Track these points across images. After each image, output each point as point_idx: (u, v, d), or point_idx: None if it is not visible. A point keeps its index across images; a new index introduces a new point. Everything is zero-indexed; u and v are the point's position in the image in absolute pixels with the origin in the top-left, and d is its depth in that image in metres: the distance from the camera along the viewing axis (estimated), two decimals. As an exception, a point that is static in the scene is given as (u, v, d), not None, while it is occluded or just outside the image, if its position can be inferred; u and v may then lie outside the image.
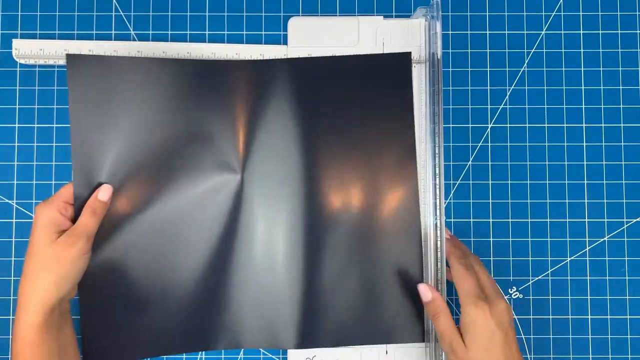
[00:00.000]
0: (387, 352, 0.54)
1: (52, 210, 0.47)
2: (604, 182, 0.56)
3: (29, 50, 0.56)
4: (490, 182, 0.57)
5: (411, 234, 0.53)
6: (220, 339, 0.53)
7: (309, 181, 0.53)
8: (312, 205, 0.53)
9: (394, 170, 0.54)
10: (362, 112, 0.54)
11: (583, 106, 0.56)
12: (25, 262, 0.47)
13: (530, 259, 0.56)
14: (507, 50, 0.57)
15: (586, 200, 0.56)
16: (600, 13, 0.57)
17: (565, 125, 0.57)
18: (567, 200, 0.56)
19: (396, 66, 0.55)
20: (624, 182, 0.56)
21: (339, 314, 0.53)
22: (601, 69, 0.57)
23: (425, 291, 0.49)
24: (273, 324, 0.53)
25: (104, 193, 0.49)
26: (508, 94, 0.57)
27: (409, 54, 0.55)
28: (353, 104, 0.54)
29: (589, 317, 0.56)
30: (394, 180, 0.54)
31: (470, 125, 0.57)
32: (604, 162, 0.56)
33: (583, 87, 0.56)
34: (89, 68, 0.51)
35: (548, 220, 0.56)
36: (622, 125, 0.56)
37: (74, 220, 0.49)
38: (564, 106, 0.57)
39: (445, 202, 0.55)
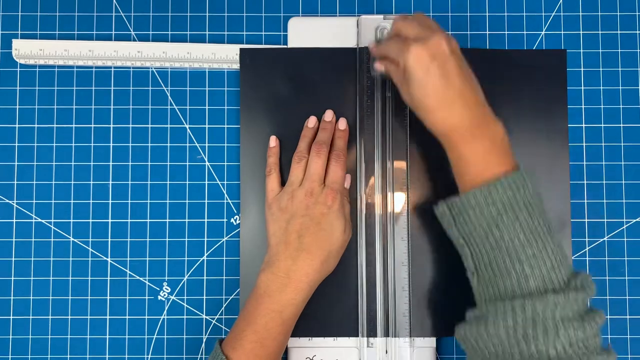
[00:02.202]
0: (387, 352, 0.54)
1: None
2: (604, 182, 0.56)
3: (29, 51, 0.56)
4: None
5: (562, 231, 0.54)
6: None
7: None
8: None
9: (545, 166, 0.55)
10: (516, 106, 0.55)
11: (583, 106, 0.56)
12: (327, 249, 0.49)
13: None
14: (507, 51, 0.57)
15: (586, 201, 0.56)
16: (600, 13, 0.57)
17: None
18: (568, 200, 0.56)
19: (551, 63, 0.56)
20: (623, 182, 0.56)
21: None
22: (601, 69, 0.57)
23: (378, 66, 0.50)
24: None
25: (348, 182, 0.54)
26: (508, 94, 0.57)
27: (565, 51, 0.56)
28: (508, 97, 0.55)
29: (589, 317, 0.56)
30: (544, 176, 0.54)
31: (470, 125, 0.57)
32: (603, 162, 0.56)
33: (583, 87, 0.56)
34: (259, 60, 0.55)
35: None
36: (622, 125, 0.56)
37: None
38: (564, 106, 0.57)
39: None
